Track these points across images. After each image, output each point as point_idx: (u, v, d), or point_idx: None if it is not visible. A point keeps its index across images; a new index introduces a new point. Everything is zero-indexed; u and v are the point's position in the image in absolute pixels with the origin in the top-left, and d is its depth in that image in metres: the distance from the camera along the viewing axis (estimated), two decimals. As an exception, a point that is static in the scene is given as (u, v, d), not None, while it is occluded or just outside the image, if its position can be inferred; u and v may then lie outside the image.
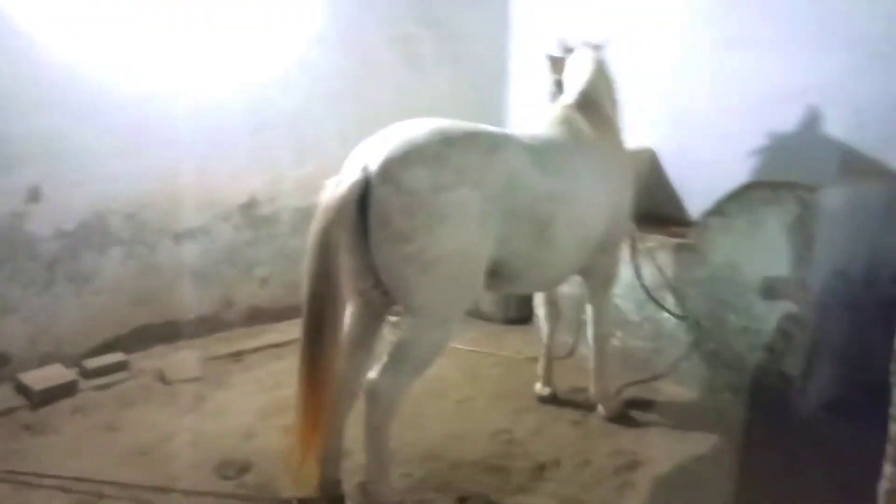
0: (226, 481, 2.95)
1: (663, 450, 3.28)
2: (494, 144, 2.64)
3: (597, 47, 3.67)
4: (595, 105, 3.41)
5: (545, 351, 3.81)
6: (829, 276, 3.47)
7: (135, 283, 4.23)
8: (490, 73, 5.72)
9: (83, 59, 3.85)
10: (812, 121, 3.99)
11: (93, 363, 3.89)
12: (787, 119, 4.09)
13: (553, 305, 3.82)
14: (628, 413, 3.60)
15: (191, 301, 4.46)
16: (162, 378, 3.88)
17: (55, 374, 3.74)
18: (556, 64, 3.67)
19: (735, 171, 4.15)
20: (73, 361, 3.94)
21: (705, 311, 3.70)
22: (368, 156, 2.48)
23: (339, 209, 2.37)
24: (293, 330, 4.51)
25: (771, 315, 3.45)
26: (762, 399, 3.53)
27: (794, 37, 4.05)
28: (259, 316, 4.76)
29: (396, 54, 5.15)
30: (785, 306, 3.40)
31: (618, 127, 3.57)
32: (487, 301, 5.03)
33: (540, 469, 3.11)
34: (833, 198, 3.37)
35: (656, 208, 4.83)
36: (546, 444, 3.32)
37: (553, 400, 3.75)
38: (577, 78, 3.54)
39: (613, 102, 3.65)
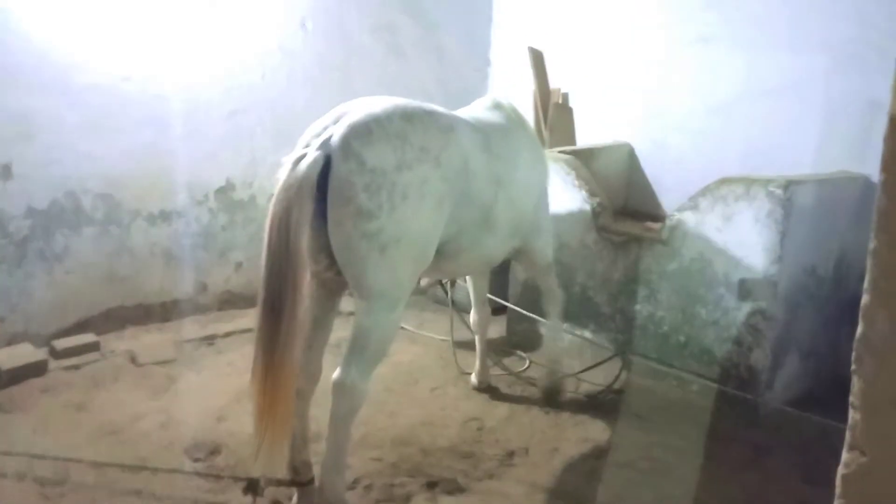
0: (196, 463, 2.95)
1: (631, 439, 3.32)
2: (450, 124, 2.67)
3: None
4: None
5: (479, 356, 3.81)
6: (799, 272, 3.54)
7: (107, 263, 4.19)
8: (472, 63, 5.73)
9: (54, 38, 3.80)
10: (786, 119, 4.06)
11: (63, 343, 3.85)
12: (761, 117, 4.16)
13: (483, 307, 3.80)
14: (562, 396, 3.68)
15: (164, 283, 4.43)
16: (133, 360, 3.85)
17: (24, 353, 3.70)
18: None
19: (709, 166, 4.21)
20: (43, 341, 3.90)
21: (676, 304, 3.75)
22: (327, 132, 2.45)
23: (301, 186, 2.32)
24: (267, 314, 4.54)
25: (740, 310, 3.51)
26: (730, 392, 3.58)
27: (768, 37, 4.11)
28: (233, 300, 4.73)
29: (378, 43, 5.14)
30: (754, 301, 3.45)
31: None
32: (463, 291, 5.05)
33: (509, 456, 3.14)
34: (805, 195, 3.43)
35: (633, 203, 4.88)
36: (516, 432, 3.35)
37: (487, 389, 3.79)
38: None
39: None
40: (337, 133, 2.42)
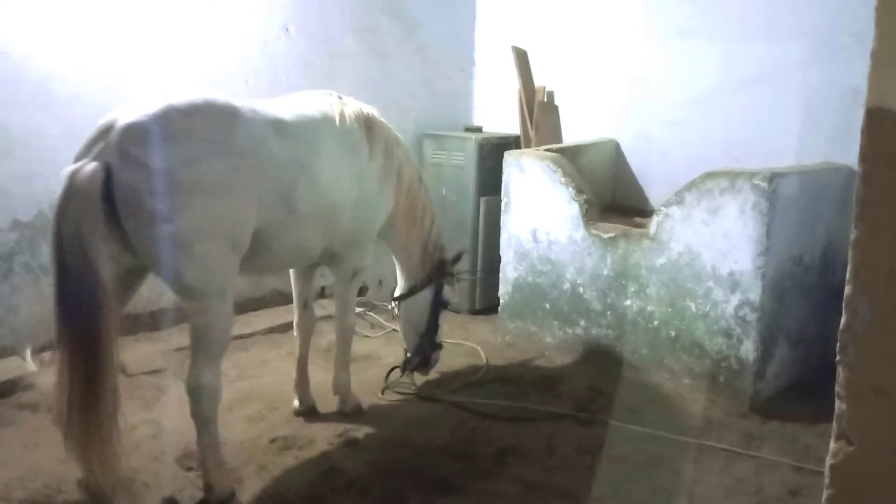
0: (187, 472, 2.93)
1: (625, 434, 3.32)
2: (232, 113, 2.63)
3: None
4: (371, 123, 3.30)
5: (298, 364, 3.48)
6: (786, 261, 3.56)
7: (95, 274, 4.15)
8: (457, 63, 5.72)
9: (32, 51, 3.76)
10: (767, 109, 4.08)
11: (52, 356, 3.82)
12: (742, 107, 4.18)
13: (306, 311, 3.49)
14: (362, 408, 3.50)
15: (152, 292, 4.39)
16: (123, 370, 3.81)
17: (13, 367, 3.67)
18: None
19: (693, 158, 4.23)
20: (31, 354, 3.86)
21: (666, 298, 3.75)
22: (103, 139, 2.41)
23: (84, 198, 2.30)
24: (256, 321, 4.53)
25: (729, 302, 3.52)
26: (721, 383, 3.60)
27: (746, 27, 4.14)
28: (223, 307, 4.70)
29: (361, 45, 5.12)
30: (743, 293, 3.47)
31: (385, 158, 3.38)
32: (455, 292, 5.04)
33: (503, 455, 3.13)
34: (789, 187, 3.45)
35: (619, 198, 4.89)
36: (509, 430, 3.35)
37: (311, 413, 3.44)
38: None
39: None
40: (112, 139, 2.37)
